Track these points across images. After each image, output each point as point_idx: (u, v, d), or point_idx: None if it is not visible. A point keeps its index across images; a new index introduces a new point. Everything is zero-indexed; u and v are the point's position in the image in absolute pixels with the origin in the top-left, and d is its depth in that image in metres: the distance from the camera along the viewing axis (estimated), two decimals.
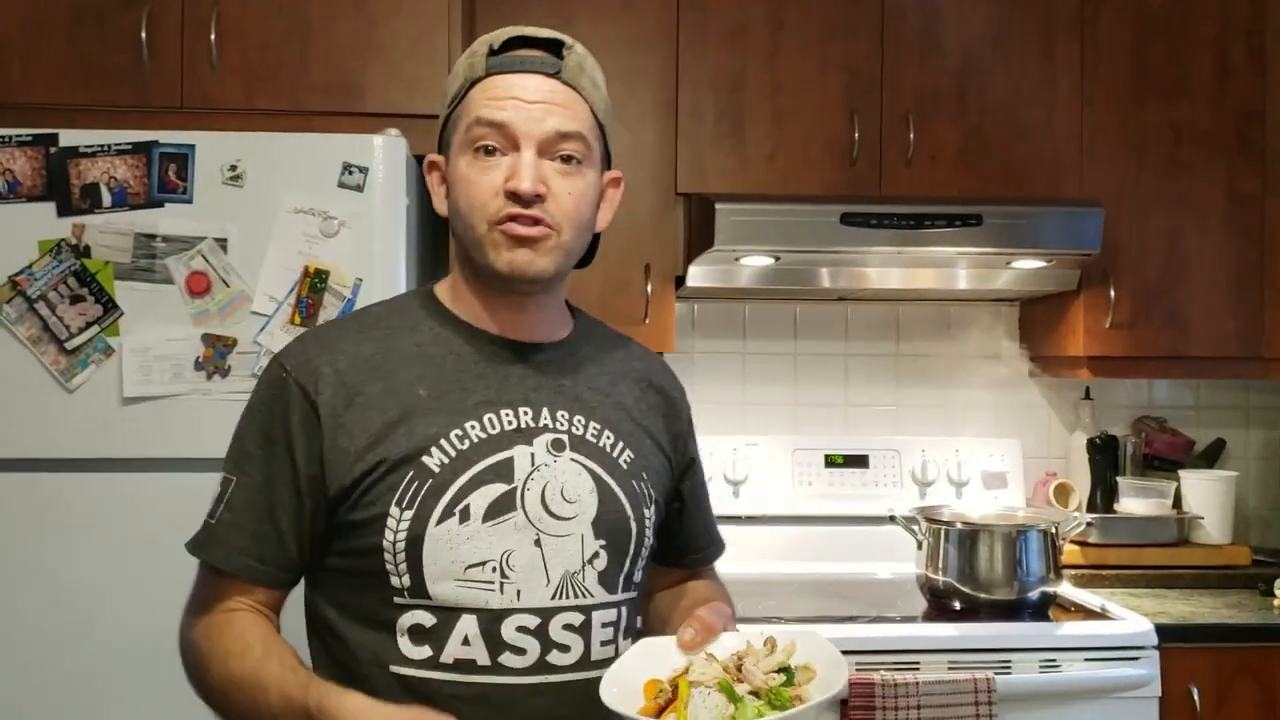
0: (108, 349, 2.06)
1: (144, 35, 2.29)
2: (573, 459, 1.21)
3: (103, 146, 2.07)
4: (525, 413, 1.21)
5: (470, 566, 1.15)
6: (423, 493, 1.15)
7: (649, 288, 2.59)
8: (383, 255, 2.10)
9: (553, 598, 1.17)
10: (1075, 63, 2.67)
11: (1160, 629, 2.30)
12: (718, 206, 2.44)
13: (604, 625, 1.21)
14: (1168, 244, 2.67)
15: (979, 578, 2.38)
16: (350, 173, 2.10)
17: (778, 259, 2.56)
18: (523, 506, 1.17)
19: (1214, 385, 3.04)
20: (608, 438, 1.25)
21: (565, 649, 1.18)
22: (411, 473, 1.16)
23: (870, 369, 3.02)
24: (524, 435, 1.20)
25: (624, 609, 1.24)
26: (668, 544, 1.39)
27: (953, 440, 2.92)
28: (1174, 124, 2.68)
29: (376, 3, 2.36)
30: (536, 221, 1.18)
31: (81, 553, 2.06)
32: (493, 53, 1.21)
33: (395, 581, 1.15)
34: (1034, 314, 2.94)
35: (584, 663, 1.18)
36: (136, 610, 2.01)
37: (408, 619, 1.16)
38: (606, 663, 1.16)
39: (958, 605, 2.40)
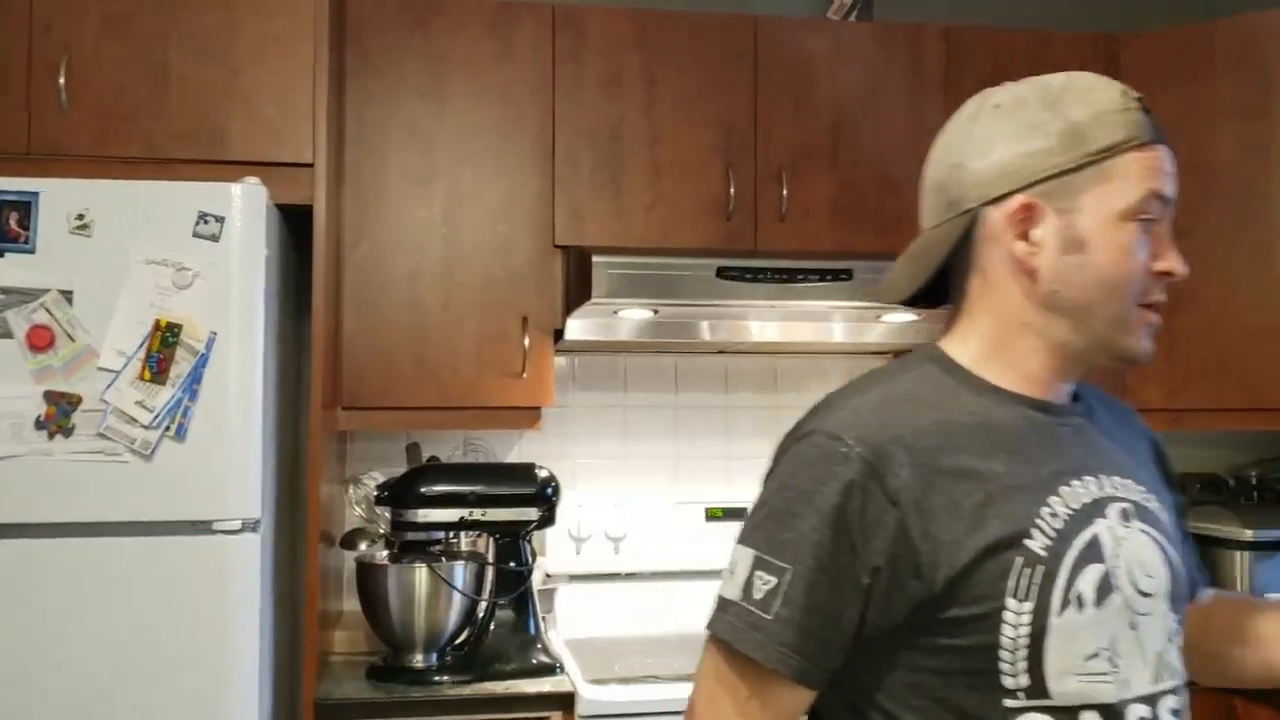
0: None
1: None
2: (1141, 529, 1.11)
3: None
4: (1088, 481, 1.11)
5: (1089, 658, 1.05)
6: (1039, 579, 1.04)
7: (526, 340, 2.55)
8: (239, 308, 2.02)
9: (1153, 681, 1.09)
10: (942, 119, 2.72)
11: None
12: (595, 259, 2.42)
13: (1184, 704, 1.14)
14: None
15: None
16: (206, 222, 2.02)
17: (656, 312, 2.55)
18: (1120, 587, 1.07)
19: None
20: (1151, 501, 1.15)
21: None
22: (1021, 559, 1.04)
23: (750, 421, 3.02)
24: (1098, 507, 1.10)
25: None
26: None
27: None
28: None
29: (241, 51, 2.29)
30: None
31: None
32: (1145, 111, 1.13)
33: (1009, 683, 1.04)
34: None
35: None
36: None
37: None
38: None
39: None
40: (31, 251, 1.98)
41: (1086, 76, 1.15)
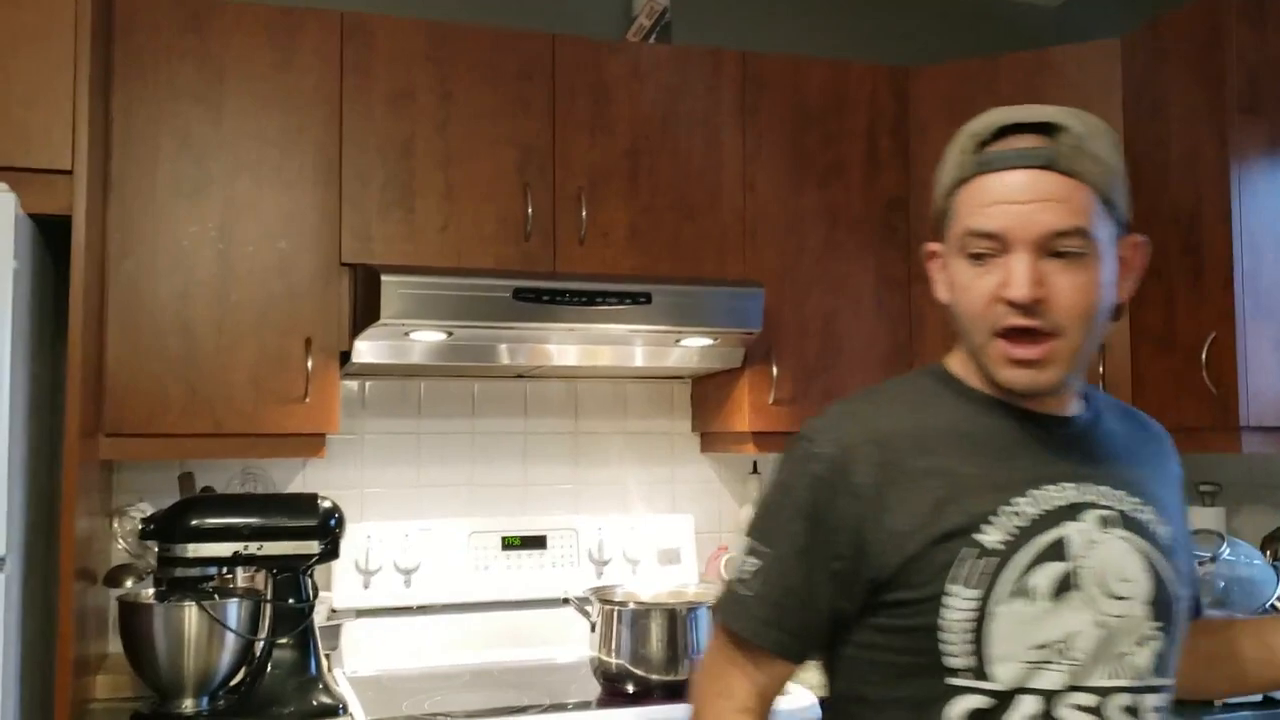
0: None
1: None
2: (1122, 537, 1.18)
3: None
4: (1067, 488, 1.19)
5: (1036, 647, 1.13)
6: (989, 570, 1.13)
7: (310, 363, 2.42)
8: None
9: (1110, 677, 1.15)
10: (738, 148, 2.76)
11: (824, 701, 2.33)
12: (384, 278, 2.32)
13: (1156, 709, 1.18)
14: (824, 324, 2.79)
15: (650, 659, 2.34)
16: None
17: (450, 334, 2.46)
18: (1082, 585, 1.15)
19: None
20: (1147, 513, 1.21)
21: None
22: (972, 550, 1.14)
23: (549, 447, 2.96)
24: (1072, 511, 1.17)
25: (1170, 693, 1.22)
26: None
27: (628, 518, 2.90)
28: (829, 209, 2.81)
29: None
30: (1036, 334, 1.14)
31: None
32: (981, 145, 1.17)
33: (953, 663, 1.14)
34: (704, 391, 2.99)
35: None
36: None
37: (962, 702, 1.14)
38: None
39: (631, 688, 2.35)
40: None
41: (988, 115, 1.21)
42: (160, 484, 2.61)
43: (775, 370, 2.71)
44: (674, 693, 2.31)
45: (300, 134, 2.45)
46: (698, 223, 2.71)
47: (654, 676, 2.34)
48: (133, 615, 2.22)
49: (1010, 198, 1.14)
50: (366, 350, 2.49)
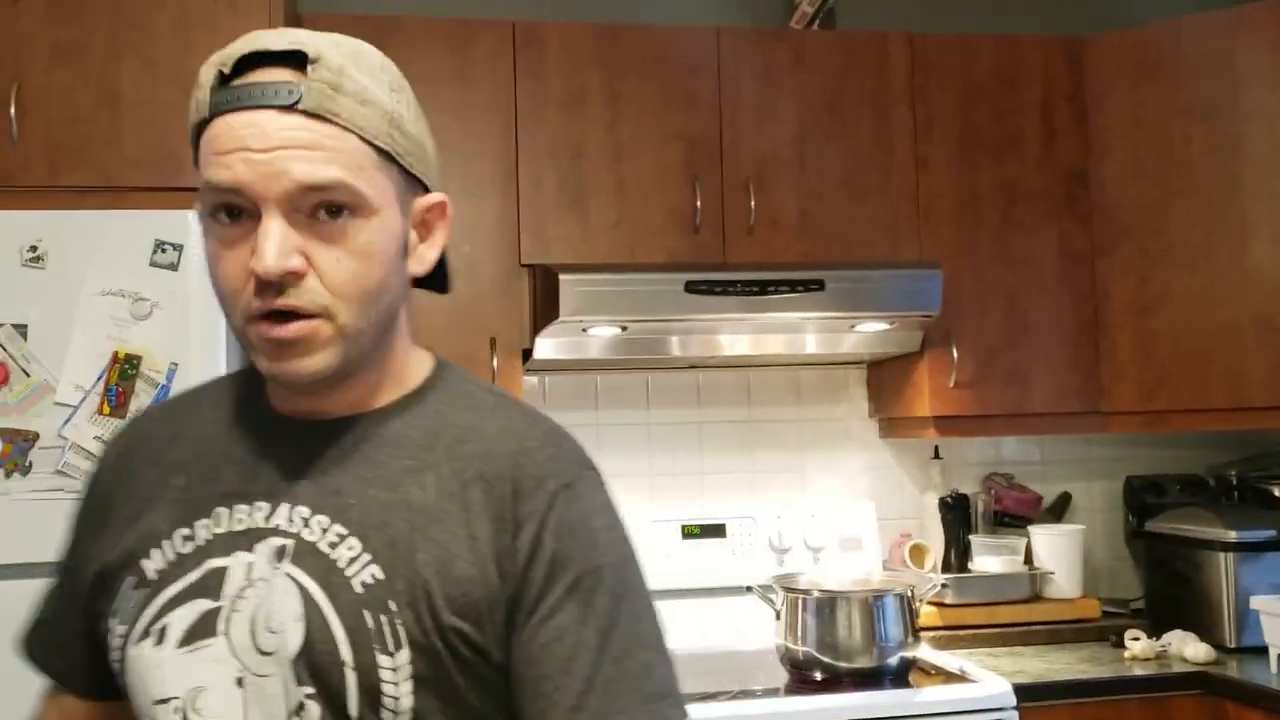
0: None
1: None
2: (289, 574, 0.90)
3: None
4: (260, 509, 0.93)
5: (158, 702, 0.90)
6: (131, 604, 0.93)
7: (495, 361, 2.51)
8: (200, 337, 1.98)
9: None
10: (908, 126, 2.72)
11: (1018, 689, 2.29)
12: (561, 277, 2.38)
13: None
14: (1006, 303, 2.73)
15: (838, 646, 2.34)
16: (163, 250, 1.97)
17: (625, 329, 2.51)
18: (226, 632, 0.89)
19: (1057, 440, 3.10)
20: (349, 548, 0.90)
21: None
22: (132, 579, 0.93)
23: (724, 437, 2.99)
24: (247, 538, 0.92)
25: None
26: None
27: (807, 506, 2.90)
28: (1005, 184, 2.75)
29: (193, 69, 2.24)
30: (289, 315, 0.88)
31: None
32: (223, 81, 0.89)
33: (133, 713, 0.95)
34: (881, 376, 2.96)
35: None
36: None
37: None
38: None
39: (819, 675, 2.35)
40: None
41: (237, 41, 0.92)
42: None
43: (955, 352, 2.67)
44: (864, 680, 2.31)
45: (480, 142, 2.55)
46: (869, 205, 2.68)
47: (842, 664, 2.34)
48: None
49: (249, 143, 0.87)
50: (547, 347, 2.57)
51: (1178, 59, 2.71)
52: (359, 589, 0.89)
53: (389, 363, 0.99)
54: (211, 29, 2.25)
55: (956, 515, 2.88)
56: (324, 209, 0.88)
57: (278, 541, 0.91)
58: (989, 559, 2.84)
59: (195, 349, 1.97)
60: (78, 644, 1.00)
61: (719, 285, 2.47)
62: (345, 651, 0.87)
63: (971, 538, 2.87)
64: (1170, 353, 2.70)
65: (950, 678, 2.39)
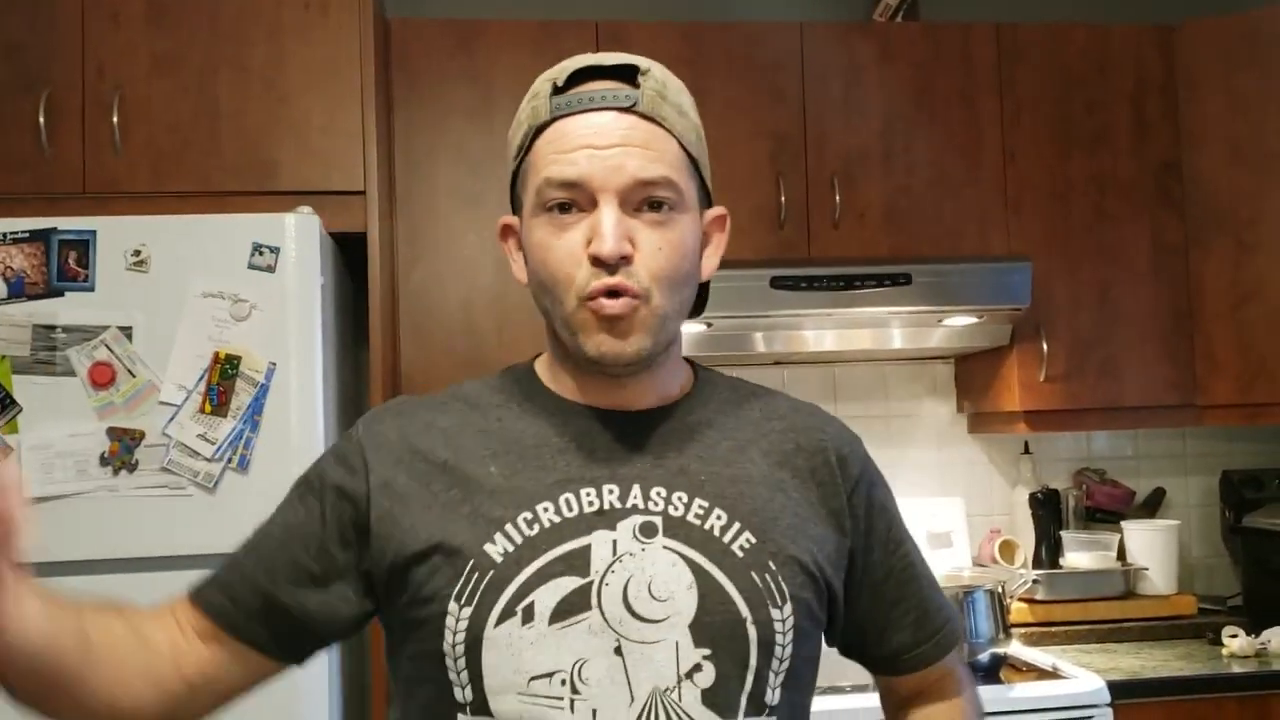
0: (5, 447, 1.95)
1: (42, 120, 2.21)
2: (666, 546, 0.98)
3: None
4: (610, 491, 1.00)
5: (535, 678, 0.95)
6: (482, 586, 0.96)
7: None
8: (297, 338, 2.03)
9: (637, 717, 0.95)
10: (996, 118, 2.68)
11: (1112, 686, 2.26)
12: None
13: None
14: (1097, 295, 2.68)
15: None
16: (261, 253, 2.02)
17: (710, 325, 2.52)
18: (599, 605, 0.96)
19: (1151, 434, 3.04)
20: (718, 518, 1.00)
21: None
22: (472, 562, 0.97)
23: None
24: (606, 518, 0.99)
25: None
26: (871, 646, 1.14)
27: (896, 500, 2.87)
28: (1097, 176, 2.70)
29: (288, 80, 2.30)
30: (619, 293, 0.98)
31: None
32: (557, 91, 1.02)
33: (459, 694, 0.97)
34: (970, 370, 2.93)
35: None
36: None
37: None
38: None
39: None
40: (91, 289, 2.00)
41: (564, 62, 1.05)
42: None
43: (1046, 346, 2.62)
44: None
45: None
46: (957, 198, 2.65)
47: None
48: None
49: (592, 141, 0.99)
50: None
51: (1275, 45, 2.63)
52: (740, 554, 0.99)
53: (676, 360, 1.10)
54: (304, 39, 2.30)
55: (1047, 511, 2.83)
56: (649, 203, 1.00)
57: (640, 519, 0.99)
58: (1081, 555, 2.79)
59: (292, 348, 2.02)
60: (254, 598, 1.04)
61: (804, 281, 2.46)
62: (744, 609, 0.98)
63: (1063, 534, 2.83)
64: (1267, 344, 2.63)
65: (1043, 674, 2.36)
